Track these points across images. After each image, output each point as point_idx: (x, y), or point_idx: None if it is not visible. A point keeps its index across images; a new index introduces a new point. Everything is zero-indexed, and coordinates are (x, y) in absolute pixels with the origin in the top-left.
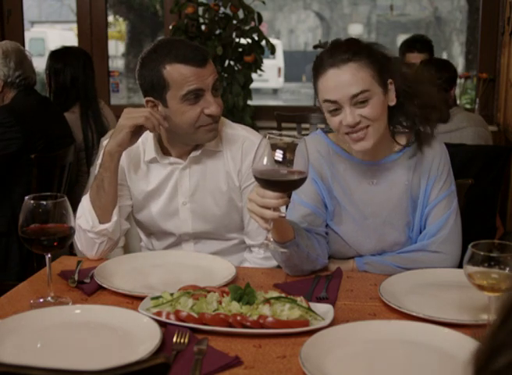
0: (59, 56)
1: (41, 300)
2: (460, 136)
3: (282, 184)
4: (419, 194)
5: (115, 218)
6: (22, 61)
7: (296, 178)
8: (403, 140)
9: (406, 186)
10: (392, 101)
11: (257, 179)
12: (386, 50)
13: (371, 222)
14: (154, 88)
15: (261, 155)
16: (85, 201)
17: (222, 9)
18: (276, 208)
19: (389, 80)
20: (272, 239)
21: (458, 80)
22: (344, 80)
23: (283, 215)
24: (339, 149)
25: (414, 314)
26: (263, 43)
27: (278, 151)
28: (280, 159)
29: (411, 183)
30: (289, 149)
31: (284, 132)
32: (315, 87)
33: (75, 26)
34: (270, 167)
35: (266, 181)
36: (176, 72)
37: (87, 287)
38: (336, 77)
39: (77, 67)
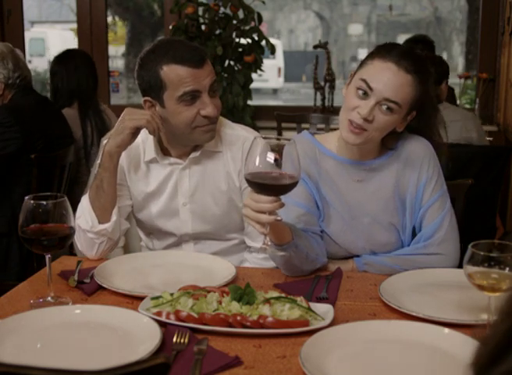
0: (58, 59)
1: (41, 300)
2: (448, 130)
3: (274, 188)
4: (406, 195)
5: (114, 218)
6: (18, 61)
7: (289, 181)
8: (391, 143)
9: (394, 187)
10: (400, 129)
11: (249, 183)
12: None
13: (359, 221)
14: (152, 88)
15: (252, 157)
16: (84, 202)
17: (222, 9)
18: (272, 212)
19: (413, 112)
20: (269, 243)
21: (458, 80)
22: (393, 80)
23: (279, 218)
24: (325, 149)
25: (414, 314)
26: (263, 43)
27: (269, 154)
28: (271, 163)
29: (399, 185)
30: (281, 152)
31: (273, 136)
32: (365, 60)
33: (75, 26)
34: (262, 172)
35: (259, 186)
36: (172, 72)
37: (87, 287)
38: (389, 72)
39: (78, 71)
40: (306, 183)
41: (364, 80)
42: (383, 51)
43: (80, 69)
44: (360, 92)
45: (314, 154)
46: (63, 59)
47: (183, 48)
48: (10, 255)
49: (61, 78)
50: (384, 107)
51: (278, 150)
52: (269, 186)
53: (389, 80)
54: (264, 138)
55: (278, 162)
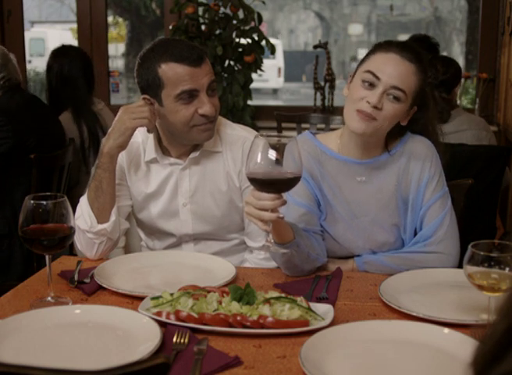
0: (56, 55)
1: (41, 300)
2: (459, 138)
3: (276, 185)
4: (409, 195)
5: (113, 218)
6: (6, 63)
7: (290, 178)
8: (393, 142)
9: (395, 187)
10: (404, 123)
11: (251, 181)
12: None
13: (360, 221)
14: (150, 86)
15: (253, 155)
16: (83, 202)
17: (222, 9)
18: (274, 210)
19: (415, 107)
20: (272, 241)
21: None
22: (398, 69)
23: (281, 216)
24: (327, 149)
25: (414, 314)
26: (263, 43)
27: (270, 151)
28: (273, 160)
29: (401, 185)
30: (282, 150)
31: (274, 133)
32: (367, 56)
33: (75, 26)
34: (263, 169)
35: (261, 183)
36: (170, 71)
37: (87, 287)
38: (394, 61)
39: (71, 67)
40: (308, 183)
41: (369, 72)
42: (384, 45)
43: (69, 66)
44: (367, 84)
45: (317, 154)
46: (56, 55)
47: (181, 47)
48: (13, 256)
49: (49, 73)
50: (391, 96)
51: (279, 148)
52: (271, 183)
53: (394, 69)
54: (265, 136)
55: (279, 160)
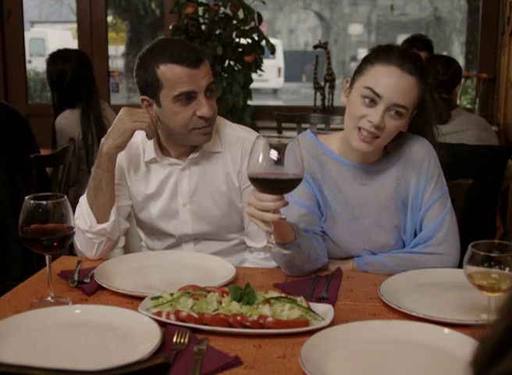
0: (58, 60)
1: (41, 300)
2: (459, 138)
3: (278, 186)
4: (408, 196)
5: (113, 217)
6: None
7: (292, 179)
8: (393, 145)
9: (394, 188)
10: (404, 129)
11: (253, 182)
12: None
13: (360, 223)
14: (149, 87)
15: (255, 156)
16: (83, 202)
17: (222, 9)
18: (276, 211)
19: (415, 111)
20: (274, 242)
21: None
22: (401, 85)
23: (283, 217)
24: (328, 150)
25: (414, 314)
26: (263, 43)
27: (272, 152)
28: (274, 161)
29: (400, 186)
30: (283, 150)
31: (274, 133)
32: (364, 66)
33: (75, 26)
34: (265, 170)
35: (262, 184)
36: (169, 72)
37: (87, 287)
38: (396, 77)
39: (75, 70)
40: (308, 183)
41: (369, 88)
42: (382, 54)
43: (74, 69)
44: (367, 100)
45: (317, 154)
46: (57, 59)
47: (180, 48)
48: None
49: (55, 79)
50: (392, 112)
51: (280, 148)
52: (273, 184)
53: (395, 84)
54: (267, 137)
55: (281, 161)
